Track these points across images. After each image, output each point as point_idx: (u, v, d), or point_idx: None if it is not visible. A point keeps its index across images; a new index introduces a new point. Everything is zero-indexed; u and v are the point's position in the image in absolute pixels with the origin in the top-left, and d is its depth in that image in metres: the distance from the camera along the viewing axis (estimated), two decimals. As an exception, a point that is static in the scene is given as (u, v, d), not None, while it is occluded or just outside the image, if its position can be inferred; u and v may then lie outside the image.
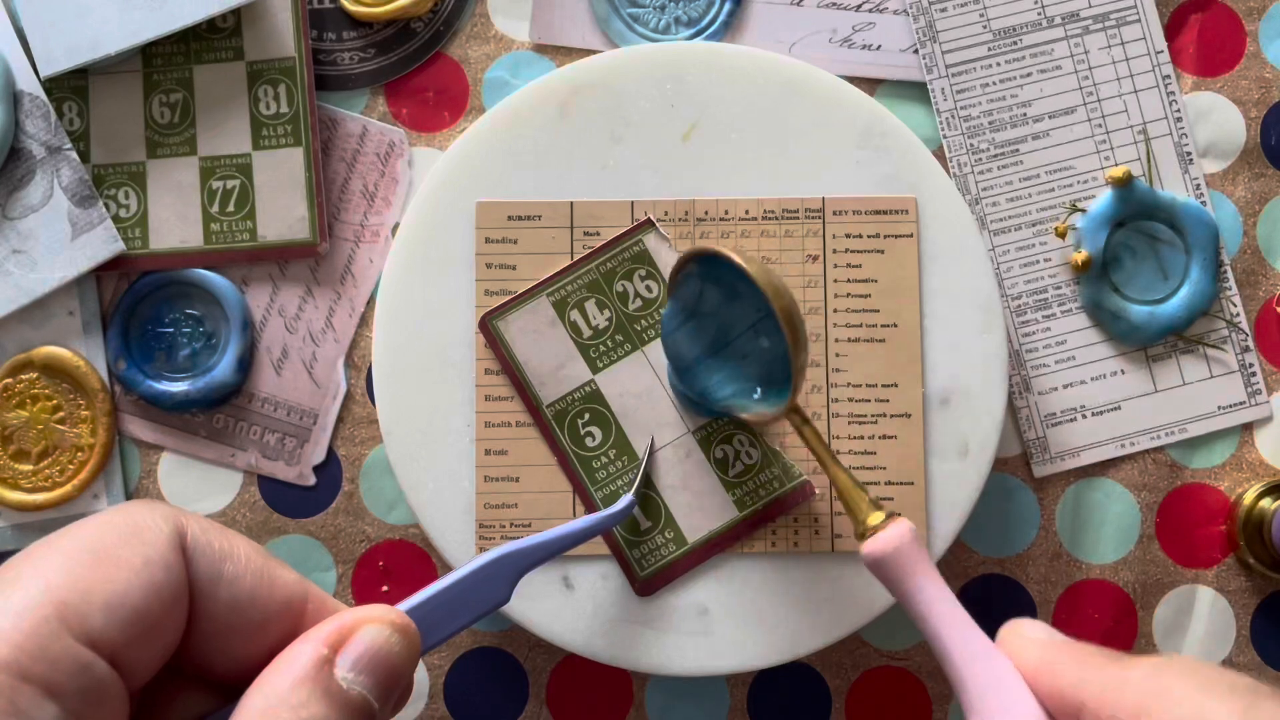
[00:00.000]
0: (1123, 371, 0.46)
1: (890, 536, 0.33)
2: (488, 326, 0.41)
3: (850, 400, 0.41)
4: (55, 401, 0.45)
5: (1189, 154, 0.46)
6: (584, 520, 0.37)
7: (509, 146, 0.42)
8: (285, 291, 0.46)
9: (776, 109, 0.42)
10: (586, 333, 0.41)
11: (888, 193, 0.42)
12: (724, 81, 0.42)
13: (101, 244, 0.45)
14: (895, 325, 0.41)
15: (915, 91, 0.46)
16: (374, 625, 0.28)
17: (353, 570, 0.46)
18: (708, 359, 0.40)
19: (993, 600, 0.46)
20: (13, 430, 0.45)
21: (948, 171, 0.45)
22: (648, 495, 0.41)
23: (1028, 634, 0.32)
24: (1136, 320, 0.45)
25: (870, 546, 0.34)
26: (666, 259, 0.42)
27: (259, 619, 0.28)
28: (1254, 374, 0.46)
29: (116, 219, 0.45)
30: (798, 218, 0.42)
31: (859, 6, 0.46)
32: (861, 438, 0.41)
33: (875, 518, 0.34)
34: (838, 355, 0.41)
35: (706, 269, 0.38)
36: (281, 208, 0.45)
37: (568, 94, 0.42)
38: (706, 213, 0.42)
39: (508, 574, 0.34)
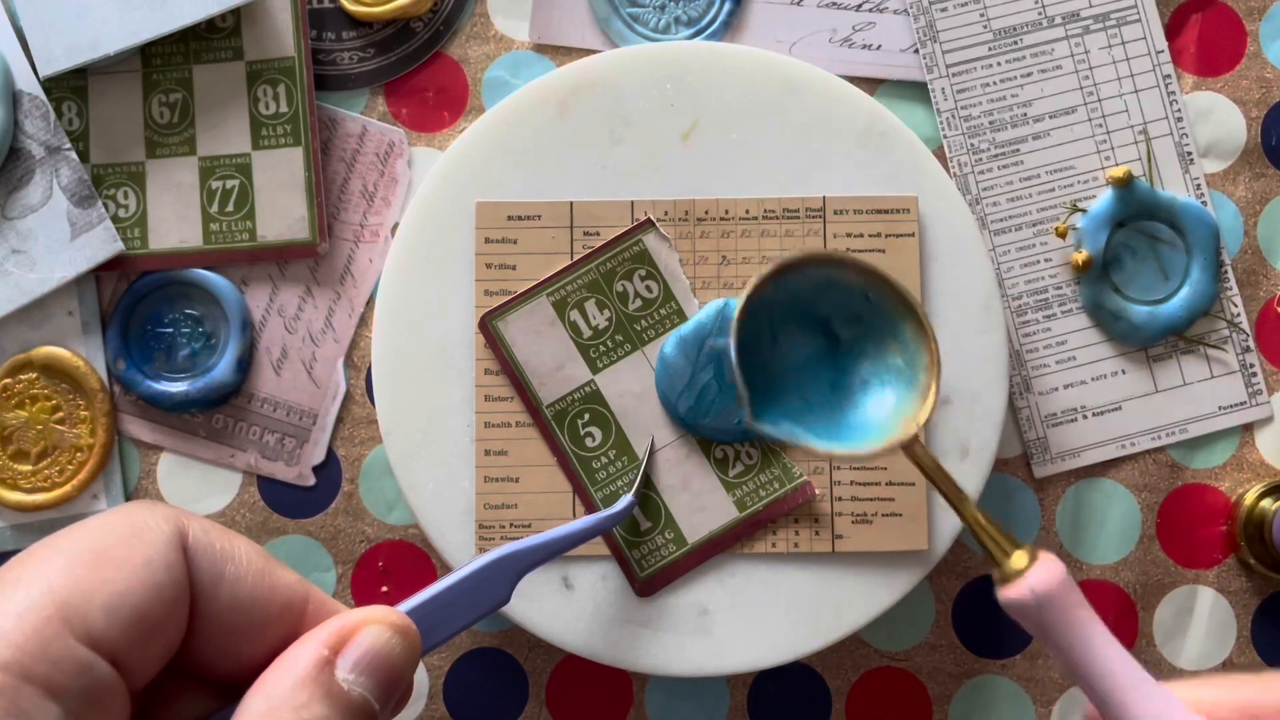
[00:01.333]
0: (1123, 372, 0.46)
1: (1044, 578, 0.30)
2: (488, 326, 0.41)
3: (850, 400, 0.41)
4: (54, 402, 0.45)
5: (1189, 154, 0.46)
6: (584, 520, 0.37)
7: (509, 146, 0.42)
8: (285, 291, 0.46)
9: (776, 109, 0.42)
10: (586, 333, 0.41)
11: (888, 192, 0.42)
12: (724, 81, 0.42)
13: (101, 244, 0.45)
14: (896, 325, 0.41)
15: (915, 91, 0.46)
16: (375, 626, 0.28)
17: (352, 571, 0.46)
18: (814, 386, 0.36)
19: (993, 601, 0.45)
20: (12, 430, 0.45)
21: (948, 171, 0.45)
22: (647, 495, 0.41)
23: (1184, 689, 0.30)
24: (1137, 320, 0.45)
25: (1018, 592, 0.30)
26: (666, 259, 0.42)
27: (260, 620, 0.28)
28: (1254, 374, 0.46)
29: (116, 219, 0.45)
30: (798, 217, 0.42)
31: (859, 6, 0.46)
32: (862, 438, 0.41)
33: (1020, 558, 0.31)
34: (838, 355, 0.41)
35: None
36: (281, 208, 0.45)
37: (567, 94, 0.42)
38: (706, 213, 0.42)
39: (508, 574, 0.34)
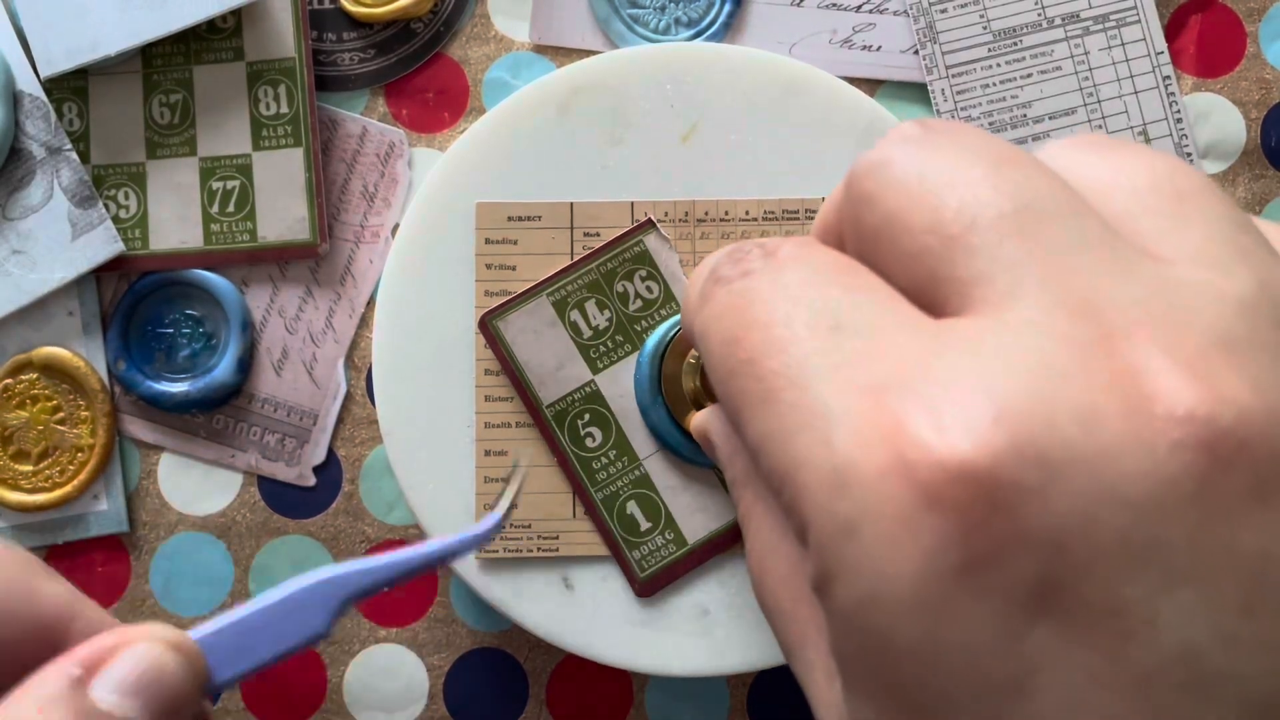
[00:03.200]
0: (1123, 372, 0.46)
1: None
2: (488, 327, 0.41)
3: (850, 401, 0.41)
4: (55, 402, 0.45)
5: (1189, 155, 0.46)
6: (428, 546, 0.31)
7: (509, 147, 0.42)
8: (285, 292, 0.46)
9: (776, 109, 0.42)
10: (586, 333, 0.41)
11: (888, 193, 0.42)
12: (724, 82, 0.42)
13: (101, 244, 0.45)
14: (895, 326, 0.41)
15: (915, 92, 0.46)
16: (143, 644, 0.26)
17: (352, 571, 0.46)
18: None
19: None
20: (13, 431, 0.45)
21: (948, 172, 0.45)
22: (647, 495, 0.41)
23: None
24: (1137, 321, 0.45)
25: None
26: (667, 260, 0.42)
27: (10, 637, 0.26)
28: (1254, 375, 0.46)
29: (116, 219, 0.45)
30: (798, 218, 0.42)
31: (859, 7, 0.46)
32: (862, 438, 0.41)
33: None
34: (838, 356, 0.41)
35: None
36: (281, 208, 0.45)
37: (568, 94, 0.42)
38: (706, 213, 0.42)
39: (326, 603, 0.30)
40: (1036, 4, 0.46)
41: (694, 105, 0.42)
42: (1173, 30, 0.46)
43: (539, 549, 0.41)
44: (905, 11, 0.46)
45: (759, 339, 0.21)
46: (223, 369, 0.45)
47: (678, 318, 0.41)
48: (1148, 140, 0.46)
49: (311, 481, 0.46)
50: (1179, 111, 0.46)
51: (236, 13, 0.45)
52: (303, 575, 0.30)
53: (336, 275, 0.46)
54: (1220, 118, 0.46)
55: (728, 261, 0.23)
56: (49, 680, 0.24)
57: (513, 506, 0.33)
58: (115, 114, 0.45)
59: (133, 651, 0.25)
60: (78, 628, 0.27)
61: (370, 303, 0.46)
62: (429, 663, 0.46)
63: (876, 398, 0.19)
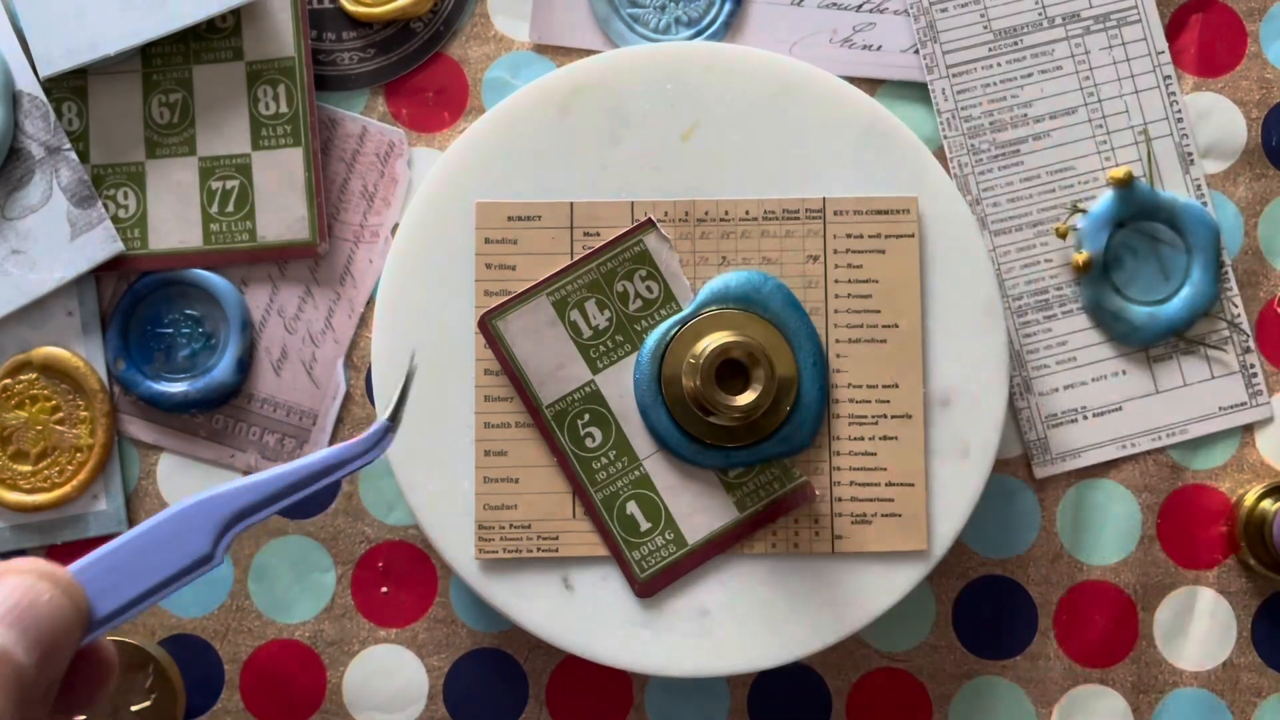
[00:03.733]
0: (1124, 372, 0.46)
1: None
2: (487, 326, 0.41)
3: (851, 401, 0.41)
4: (54, 402, 0.45)
5: (1190, 154, 0.46)
6: (313, 456, 0.30)
7: (509, 146, 0.42)
8: (285, 292, 0.46)
9: (776, 109, 0.42)
10: (586, 333, 0.41)
11: (888, 193, 0.42)
12: (724, 81, 0.42)
13: (101, 244, 0.45)
14: (896, 326, 0.41)
15: (916, 92, 0.46)
16: (13, 576, 0.26)
17: (352, 571, 0.46)
18: None
19: (993, 602, 0.45)
20: (12, 431, 0.45)
21: (948, 172, 0.45)
22: (647, 496, 0.41)
23: None
24: (1137, 321, 0.45)
25: None
26: (667, 260, 0.42)
27: None
28: (1255, 375, 0.46)
29: (116, 219, 0.45)
30: (798, 218, 0.42)
31: (859, 7, 0.46)
32: (862, 439, 0.41)
33: None
34: (839, 356, 0.41)
35: None
36: (281, 208, 0.45)
37: (568, 94, 0.42)
38: (706, 213, 0.42)
39: (205, 524, 0.29)
40: (1037, 3, 0.46)
41: (694, 105, 0.42)
42: (1173, 29, 0.46)
43: (539, 549, 0.41)
44: (906, 11, 0.46)
45: None
46: (222, 369, 0.45)
47: (677, 317, 0.41)
48: (1148, 140, 0.46)
49: (311, 481, 0.46)
50: (1179, 111, 0.46)
51: (236, 12, 0.45)
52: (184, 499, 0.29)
53: (336, 275, 0.46)
54: (1221, 117, 0.46)
55: None
56: None
57: (400, 410, 0.31)
58: (115, 113, 0.45)
59: (3, 584, 0.25)
60: None
61: (370, 302, 0.46)
62: (429, 663, 0.45)
63: None
